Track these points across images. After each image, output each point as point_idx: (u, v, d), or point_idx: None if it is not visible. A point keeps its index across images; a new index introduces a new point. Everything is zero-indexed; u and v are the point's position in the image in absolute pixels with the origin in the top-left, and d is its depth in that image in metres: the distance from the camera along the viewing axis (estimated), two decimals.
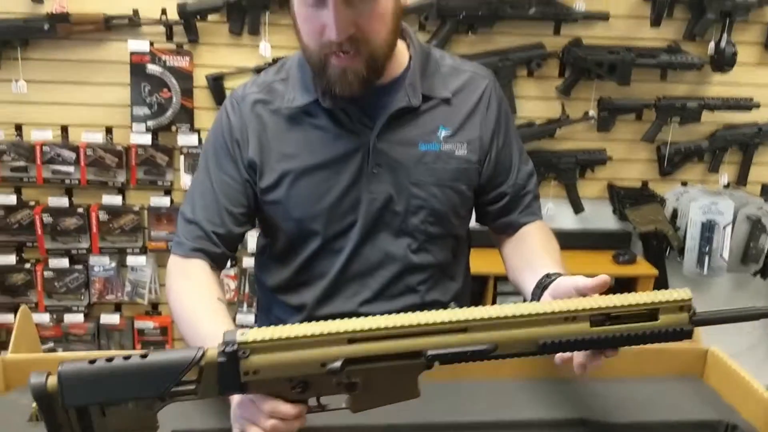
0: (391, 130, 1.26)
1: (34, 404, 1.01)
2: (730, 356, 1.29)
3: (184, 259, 1.27)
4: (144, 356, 0.84)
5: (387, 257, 1.29)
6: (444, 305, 1.33)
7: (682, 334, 0.92)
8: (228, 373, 0.86)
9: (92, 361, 0.84)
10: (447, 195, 1.29)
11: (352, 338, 0.87)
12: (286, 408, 0.90)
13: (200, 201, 1.29)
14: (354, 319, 0.87)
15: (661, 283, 2.97)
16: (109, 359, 0.84)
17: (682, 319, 0.91)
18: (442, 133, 1.28)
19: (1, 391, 1.13)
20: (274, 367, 0.87)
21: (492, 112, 1.33)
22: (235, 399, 0.95)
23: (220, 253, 1.28)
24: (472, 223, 1.44)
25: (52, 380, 0.83)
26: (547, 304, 0.90)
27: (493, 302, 2.86)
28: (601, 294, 0.96)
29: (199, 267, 1.25)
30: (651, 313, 0.90)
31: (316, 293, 1.31)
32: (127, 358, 0.84)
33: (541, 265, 1.20)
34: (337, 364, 0.86)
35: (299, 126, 1.27)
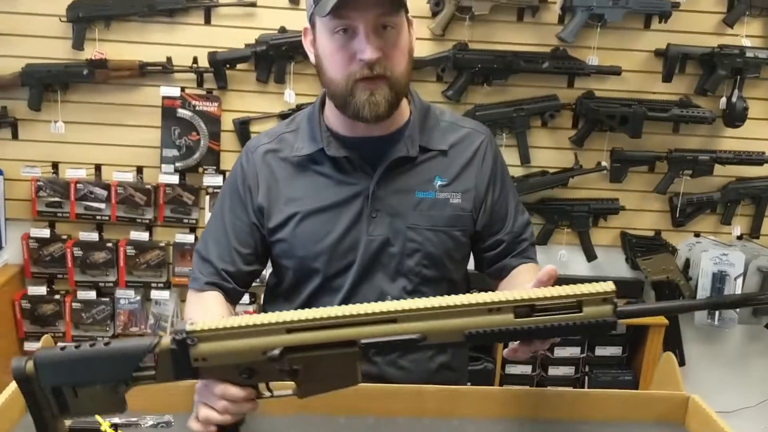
0: (390, 178, 1.36)
1: None
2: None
3: (199, 292, 1.39)
4: (107, 344, 0.96)
5: (382, 296, 1.37)
6: (439, 345, 1.41)
7: (606, 326, 0.94)
8: (180, 360, 0.96)
9: (63, 348, 0.96)
10: (441, 239, 1.38)
11: (290, 328, 0.95)
12: (234, 391, 0.99)
13: (213, 241, 1.42)
14: (292, 311, 0.95)
15: (672, 333, 3.00)
16: (77, 346, 0.96)
17: (606, 311, 0.93)
18: (438, 183, 1.38)
19: (22, 412, 1.22)
20: (221, 354, 0.96)
21: (487, 166, 1.42)
22: (196, 385, 1.05)
23: (231, 288, 1.40)
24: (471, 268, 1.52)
25: (30, 365, 0.95)
26: (472, 296, 0.94)
27: (505, 347, 2.90)
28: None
29: (213, 297, 1.38)
30: (575, 305, 0.93)
31: None
32: (92, 345, 0.95)
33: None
34: (276, 351, 0.94)
35: (306, 172, 1.38)
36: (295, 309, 1.40)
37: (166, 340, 0.96)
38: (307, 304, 1.40)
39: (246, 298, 2.87)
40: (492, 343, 0.99)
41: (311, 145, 1.38)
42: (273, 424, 1.21)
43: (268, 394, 1.03)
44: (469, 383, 1.52)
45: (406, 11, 1.29)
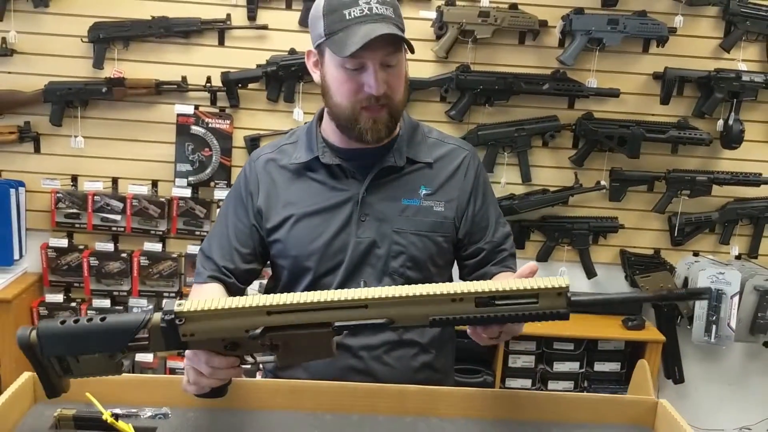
0: (379, 186, 1.48)
1: (56, 414, 1.21)
2: None
3: (201, 285, 1.51)
4: (103, 319, 1.06)
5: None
6: (422, 346, 1.50)
7: (560, 315, 1.04)
8: (170, 335, 1.06)
9: (62, 322, 1.06)
10: (425, 243, 1.48)
11: (270, 311, 1.05)
12: (219, 360, 1.11)
13: (216, 241, 1.54)
14: (272, 295, 1.05)
15: (670, 350, 3.05)
16: (76, 320, 1.06)
17: (560, 303, 1.03)
18: (423, 192, 1.50)
19: (31, 403, 1.31)
20: (207, 331, 1.07)
21: (469, 179, 1.53)
22: (186, 352, 1.15)
23: (231, 282, 1.51)
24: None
25: (33, 335, 1.07)
26: (437, 286, 1.04)
27: (505, 361, 2.97)
28: None
29: (214, 287, 1.49)
30: (532, 297, 1.03)
31: None
32: (89, 320, 1.06)
33: None
34: (257, 331, 1.05)
35: (301, 178, 1.50)
36: None
37: (157, 317, 1.06)
38: None
39: None
40: (453, 326, 1.09)
41: (307, 154, 1.50)
42: (261, 419, 1.28)
43: (251, 360, 1.13)
44: None
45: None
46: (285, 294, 1.06)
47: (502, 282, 1.03)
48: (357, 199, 1.46)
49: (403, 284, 1.46)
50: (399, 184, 1.49)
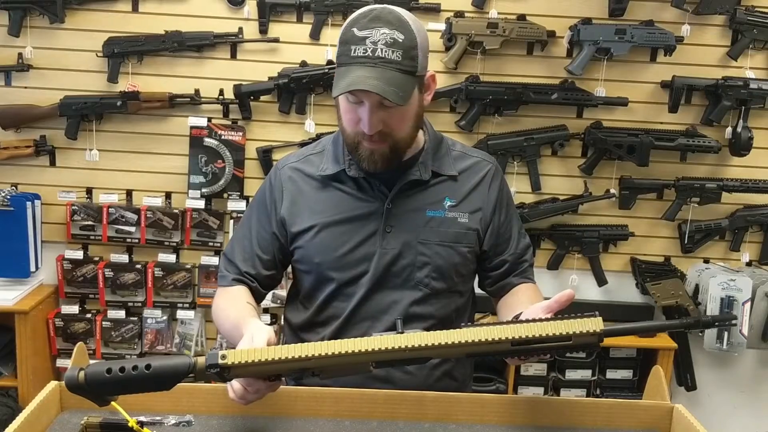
0: (404, 199, 1.51)
1: (83, 422, 1.24)
2: None
3: (226, 288, 1.56)
4: (148, 367, 1.10)
5: (392, 305, 1.49)
6: None
7: (590, 347, 1.12)
8: (215, 377, 1.13)
9: (108, 370, 1.10)
10: (449, 254, 1.50)
11: (310, 357, 1.10)
12: (263, 385, 1.19)
13: (239, 246, 1.58)
14: (314, 344, 1.10)
15: (682, 357, 3.05)
16: (121, 368, 1.10)
17: (592, 340, 1.09)
18: (448, 203, 1.52)
19: (57, 411, 1.34)
20: (252, 374, 1.14)
21: (494, 192, 1.56)
22: None
23: (254, 287, 1.56)
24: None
25: (81, 376, 1.11)
26: (476, 331, 1.09)
27: (517, 369, 2.98)
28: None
29: (240, 289, 1.54)
30: (566, 339, 1.09)
31: (330, 332, 1.52)
32: (135, 367, 1.10)
33: (521, 309, 1.37)
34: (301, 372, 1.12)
35: (328, 189, 1.53)
36: (312, 314, 1.56)
37: (201, 361, 1.12)
38: (323, 308, 1.53)
39: (267, 318, 2.99)
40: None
41: (335, 166, 1.53)
42: (281, 425, 1.31)
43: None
44: None
45: (423, 78, 1.42)
46: (326, 343, 1.10)
47: (539, 325, 1.08)
48: (382, 211, 1.49)
49: (428, 294, 1.51)
50: (424, 195, 1.52)
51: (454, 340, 1.08)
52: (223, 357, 1.10)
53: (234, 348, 1.21)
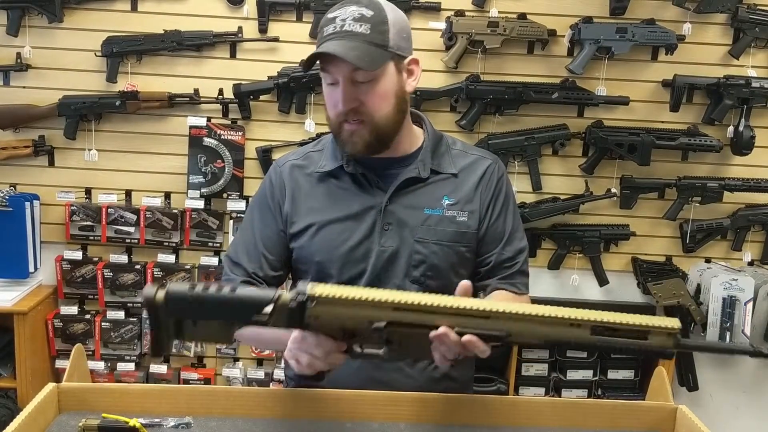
0: (402, 196, 1.50)
1: (81, 424, 1.22)
2: None
3: None
4: (233, 290, 1.06)
5: None
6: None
7: (664, 354, 1.08)
8: (296, 315, 1.07)
9: (192, 287, 1.06)
10: (446, 253, 1.49)
11: (397, 307, 1.06)
12: (330, 343, 1.12)
13: (243, 248, 1.56)
14: (400, 292, 1.07)
15: (684, 357, 3.04)
16: (206, 287, 1.06)
17: (668, 343, 1.06)
18: (446, 202, 1.51)
19: (56, 413, 1.33)
20: (333, 317, 1.08)
21: (490, 187, 1.54)
22: (294, 334, 1.17)
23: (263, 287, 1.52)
24: None
25: (160, 294, 1.05)
26: (558, 309, 1.06)
27: (518, 369, 2.97)
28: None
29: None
30: (643, 333, 1.06)
31: None
32: (219, 288, 1.06)
33: None
34: (382, 324, 1.07)
35: (326, 186, 1.52)
36: None
37: (287, 296, 1.06)
38: None
39: None
40: (570, 349, 1.14)
41: (333, 162, 1.52)
42: (282, 427, 1.30)
43: (358, 351, 1.14)
44: None
45: (400, 58, 1.43)
46: (413, 293, 1.07)
47: (620, 315, 1.06)
48: (380, 208, 1.48)
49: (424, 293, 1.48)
50: (422, 193, 1.51)
51: (537, 312, 1.05)
52: (312, 287, 1.06)
53: (282, 354, 1.18)
